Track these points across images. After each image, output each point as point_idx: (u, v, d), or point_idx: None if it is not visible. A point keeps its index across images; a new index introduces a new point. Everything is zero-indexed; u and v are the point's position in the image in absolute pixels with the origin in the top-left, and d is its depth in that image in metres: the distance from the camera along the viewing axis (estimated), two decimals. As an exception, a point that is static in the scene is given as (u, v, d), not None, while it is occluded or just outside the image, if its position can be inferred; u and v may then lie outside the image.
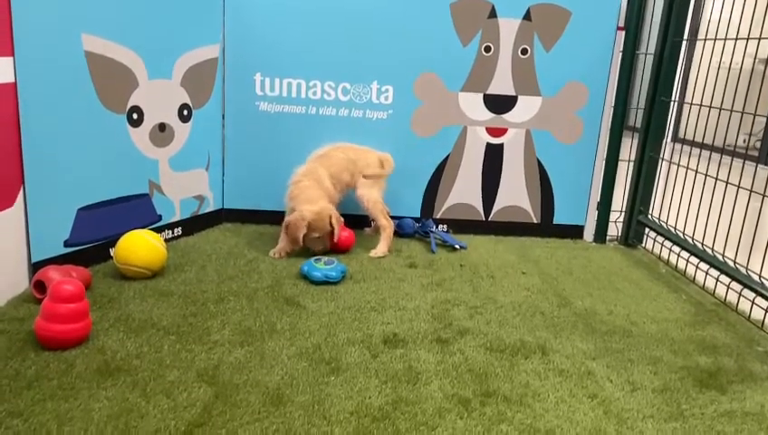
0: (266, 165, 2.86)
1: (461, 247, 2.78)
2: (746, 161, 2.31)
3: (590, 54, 2.87)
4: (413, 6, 2.77)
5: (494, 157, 2.97)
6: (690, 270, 2.59)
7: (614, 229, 3.08)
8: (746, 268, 2.23)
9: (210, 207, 2.85)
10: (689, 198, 2.57)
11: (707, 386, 1.73)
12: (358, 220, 2.84)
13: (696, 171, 2.57)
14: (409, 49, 2.81)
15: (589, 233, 3.09)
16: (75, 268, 2.05)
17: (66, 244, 2.17)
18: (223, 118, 2.83)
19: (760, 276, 2.15)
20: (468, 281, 2.41)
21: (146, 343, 1.75)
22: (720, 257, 2.36)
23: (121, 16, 2.24)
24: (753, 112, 2.31)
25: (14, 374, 1.55)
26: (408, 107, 2.88)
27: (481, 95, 2.89)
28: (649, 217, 2.93)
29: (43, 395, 1.47)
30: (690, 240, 2.58)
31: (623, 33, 2.84)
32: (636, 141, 2.96)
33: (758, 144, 5.71)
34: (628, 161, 3.00)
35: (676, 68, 2.80)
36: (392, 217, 2.75)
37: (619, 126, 2.95)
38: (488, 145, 2.95)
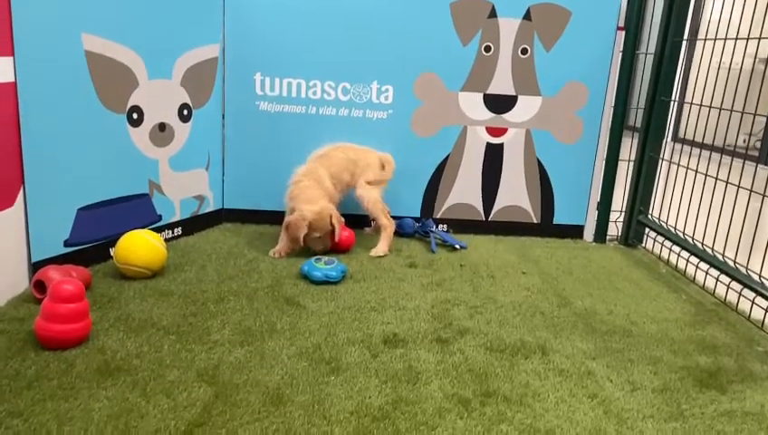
0: (266, 165, 2.86)
1: (461, 247, 2.78)
2: (746, 161, 2.31)
3: (590, 54, 2.87)
4: (413, 6, 2.77)
5: (494, 157, 2.97)
6: (690, 270, 2.59)
7: (614, 229, 3.08)
8: (746, 268, 2.23)
9: (210, 206, 2.85)
10: (689, 197, 2.57)
11: (707, 386, 1.74)
12: (358, 220, 2.84)
13: (696, 171, 2.57)
14: (409, 49, 2.81)
15: (589, 233, 3.09)
16: (75, 268, 2.05)
17: (66, 244, 2.17)
18: (223, 118, 2.83)
19: (760, 276, 2.15)
20: (468, 281, 2.41)
21: (146, 343, 1.75)
22: (720, 257, 2.36)
23: (121, 16, 2.24)
24: (754, 112, 2.31)
25: (14, 374, 1.55)
26: (408, 107, 2.88)
27: (481, 95, 2.89)
28: (649, 216, 2.93)
29: (43, 395, 1.47)
30: (690, 240, 2.58)
31: (623, 32, 2.84)
32: (636, 141, 2.96)
33: (758, 144, 5.71)
34: (629, 161, 3.00)
35: (676, 68, 2.80)
36: (392, 217, 2.75)
37: (619, 126, 2.95)
38: (488, 145, 2.95)
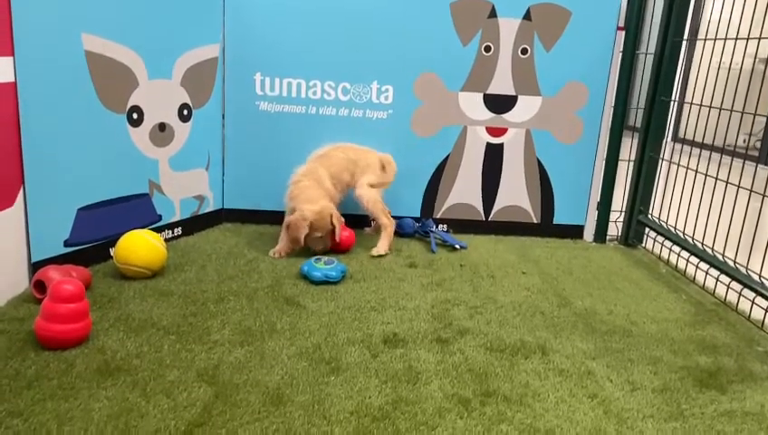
0: (266, 165, 2.86)
1: (461, 247, 2.78)
2: (746, 161, 2.31)
3: (590, 54, 2.87)
4: (413, 6, 2.77)
5: (494, 157, 2.97)
6: (690, 270, 2.59)
7: (614, 229, 3.08)
8: (746, 268, 2.23)
9: (210, 206, 2.85)
10: (689, 197, 2.57)
11: (707, 386, 1.74)
12: (358, 220, 2.84)
13: (696, 171, 2.57)
14: (409, 49, 2.81)
15: (589, 233, 3.09)
16: (75, 268, 2.05)
17: (66, 244, 2.17)
18: (223, 118, 2.83)
19: (760, 276, 2.15)
20: (468, 281, 2.41)
21: (146, 343, 1.75)
22: (720, 257, 2.36)
23: (121, 16, 2.24)
24: (753, 112, 2.31)
25: (14, 374, 1.55)
26: (408, 107, 2.88)
27: (481, 95, 2.89)
28: (649, 216, 2.93)
29: (43, 395, 1.47)
30: (690, 240, 2.58)
31: (623, 32, 2.84)
32: (636, 141, 2.96)
33: (758, 144, 5.71)
34: (629, 161, 3.00)
35: (676, 68, 2.80)
36: (392, 217, 2.75)
37: (619, 126, 2.95)
38: (488, 145, 2.95)
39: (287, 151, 2.79)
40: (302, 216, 2.44)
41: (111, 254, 2.28)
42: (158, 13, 2.39)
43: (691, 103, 2.68)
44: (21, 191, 1.97)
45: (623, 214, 3.06)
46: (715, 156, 2.56)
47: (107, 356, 1.66)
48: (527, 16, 2.81)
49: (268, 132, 2.85)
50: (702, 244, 2.49)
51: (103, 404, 1.45)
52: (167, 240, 2.51)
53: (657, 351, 1.93)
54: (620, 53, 2.86)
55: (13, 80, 1.90)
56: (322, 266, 2.27)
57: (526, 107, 2.91)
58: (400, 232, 2.87)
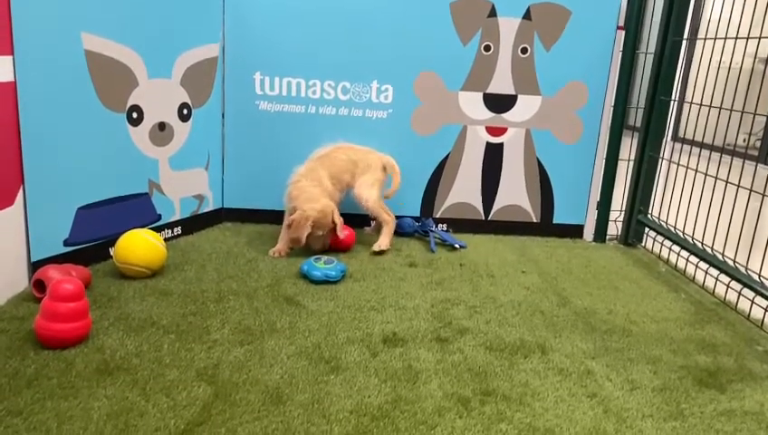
0: (266, 164, 2.86)
1: (461, 247, 2.78)
2: (746, 161, 2.31)
3: (590, 54, 2.87)
4: (413, 6, 2.77)
5: (493, 156, 2.97)
6: (690, 269, 2.59)
7: (614, 229, 3.08)
8: (746, 267, 2.23)
9: (210, 206, 2.85)
10: (689, 197, 2.57)
11: (707, 385, 1.74)
12: (358, 219, 2.84)
13: (696, 171, 2.57)
14: (409, 48, 2.81)
15: (588, 232, 3.09)
16: (75, 267, 2.05)
17: (66, 243, 2.17)
18: (222, 117, 2.83)
19: (759, 276, 2.15)
20: (468, 280, 2.41)
21: (145, 342, 1.75)
22: (720, 257, 2.36)
23: (121, 15, 2.24)
24: (753, 112, 2.31)
25: (13, 373, 1.55)
26: (408, 106, 2.88)
27: (481, 94, 2.89)
28: (649, 216, 2.93)
29: (43, 394, 1.47)
30: (690, 239, 2.58)
31: (623, 32, 2.84)
32: (636, 141, 2.96)
33: (758, 143, 5.71)
34: (628, 161, 3.00)
35: (676, 67, 2.80)
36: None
37: (618, 125, 2.95)
38: (488, 144, 2.95)
39: (287, 151, 2.80)
40: (305, 215, 2.44)
41: (111, 253, 2.28)
42: (158, 12, 2.39)
43: (691, 103, 2.68)
44: (20, 190, 1.97)
45: (623, 213, 3.06)
46: (715, 155, 2.55)
47: (106, 355, 1.66)
48: (527, 16, 2.81)
49: (268, 132, 2.85)
50: (702, 243, 2.49)
51: (103, 403, 1.45)
52: (166, 239, 2.52)
53: (656, 350, 1.93)
54: (620, 53, 2.86)
55: (12, 79, 1.90)
56: (322, 266, 2.27)
57: (526, 106, 2.91)
58: (400, 231, 2.87)
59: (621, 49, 2.85)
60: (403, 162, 2.78)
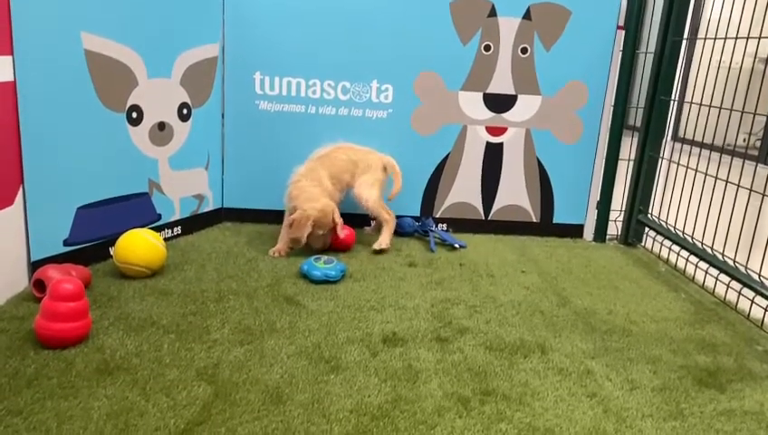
0: (266, 164, 2.86)
1: (460, 246, 2.78)
2: (746, 160, 2.31)
3: (590, 54, 2.87)
4: (413, 5, 2.77)
5: (493, 156, 2.97)
6: (690, 269, 2.59)
7: (614, 228, 3.08)
8: (746, 267, 2.23)
9: (210, 206, 2.85)
10: (689, 197, 2.57)
11: (706, 385, 1.74)
12: (359, 219, 2.84)
13: (696, 170, 2.57)
14: (409, 48, 2.81)
15: (588, 232, 3.09)
16: (75, 267, 2.05)
17: (66, 243, 2.17)
18: (222, 117, 2.83)
19: (759, 275, 2.15)
20: (468, 280, 2.41)
21: (145, 342, 1.75)
22: (720, 256, 2.36)
23: (121, 15, 2.24)
24: (753, 112, 2.31)
25: (13, 373, 1.55)
26: (408, 106, 2.88)
27: (481, 94, 2.89)
28: (649, 216, 2.93)
29: (43, 394, 1.47)
30: (690, 239, 2.58)
31: (623, 32, 2.84)
32: (636, 140, 2.96)
33: (758, 143, 5.71)
34: (628, 160, 3.00)
35: (676, 67, 2.80)
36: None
37: (618, 125, 2.95)
38: (488, 144, 2.95)
39: (287, 150, 2.80)
40: (306, 214, 2.44)
41: (111, 253, 2.28)
42: (158, 12, 2.39)
43: (691, 102, 2.68)
44: (20, 190, 1.97)
45: (623, 213, 3.06)
46: (715, 155, 2.55)
47: (106, 355, 1.66)
48: (527, 16, 2.81)
49: (268, 131, 2.85)
50: (701, 243, 2.49)
51: (103, 403, 1.45)
52: (166, 239, 2.52)
53: (656, 350, 1.93)
54: (620, 53, 2.86)
55: (12, 79, 1.90)
56: (322, 266, 2.27)
57: (526, 106, 2.91)
58: (400, 231, 2.87)
59: (621, 49, 2.85)
60: (403, 162, 2.78)
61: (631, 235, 3.03)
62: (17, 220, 1.98)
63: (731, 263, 2.30)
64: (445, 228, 3.02)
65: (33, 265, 2.03)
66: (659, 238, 2.83)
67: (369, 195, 2.65)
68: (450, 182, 2.99)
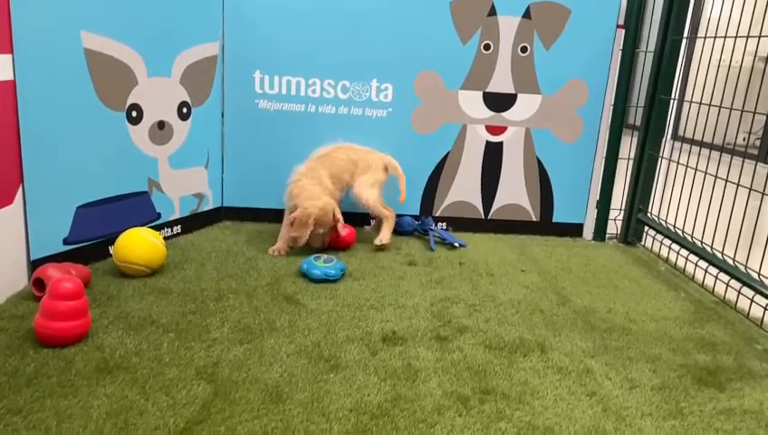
0: (266, 163, 2.86)
1: (460, 245, 2.78)
2: (746, 159, 2.31)
3: (589, 52, 2.87)
4: (413, 5, 2.77)
5: (493, 155, 2.97)
6: (689, 268, 2.59)
7: (613, 227, 3.08)
8: (745, 266, 2.23)
9: (209, 204, 2.85)
10: (689, 195, 2.57)
11: (706, 384, 1.74)
12: (359, 218, 2.84)
13: (696, 169, 2.57)
14: (409, 47, 2.80)
15: (588, 231, 3.09)
16: (74, 266, 2.05)
17: (65, 241, 2.17)
18: (222, 116, 2.83)
19: (759, 274, 2.15)
20: (467, 279, 2.41)
21: (145, 341, 1.75)
22: (719, 255, 2.36)
23: (121, 14, 2.24)
24: (753, 110, 2.31)
25: (13, 371, 1.55)
26: (408, 105, 2.88)
27: (481, 93, 2.89)
28: (649, 215, 2.93)
29: (43, 392, 1.47)
30: (689, 238, 2.58)
31: (623, 31, 2.84)
32: (635, 139, 2.96)
33: (758, 142, 5.70)
34: (628, 159, 3.00)
35: (676, 66, 2.80)
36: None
37: (618, 124, 2.95)
38: (488, 143, 2.95)
39: (286, 149, 2.80)
40: (307, 213, 2.44)
41: (111, 252, 2.28)
42: (158, 11, 2.39)
43: (691, 101, 2.68)
44: (20, 189, 1.97)
45: (622, 212, 3.06)
46: (715, 154, 2.55)
47: (106, 354, 1.66)
48: (527, 14, 2.81)
49: (267, 130, 2.85)
50: (701, 242, 2.49)
51: (102, 402, 1.45)
52: (166, 238, 2.52)
53: (656, 349, 1.93)
54: (620, 51, 2.86)
55: (12, 78, 1.90)
56: (322, 264, 2.27)
57: (526, 105, 2.91)
58: (400, 230, 2.87)
59: (621, 47, 2.85)
60: (403, 161, 2.78)
61: (631, 234, 3.03)
62: (17, 219, 1.98)
63: (730, 262, 2.30)
64: (444, 227, 3.02)
65: (33, 264, 2.03)
66: (659, 237, 2.83)
67: (368, 195, 2.65)
68: (450, 181, 2.98)
